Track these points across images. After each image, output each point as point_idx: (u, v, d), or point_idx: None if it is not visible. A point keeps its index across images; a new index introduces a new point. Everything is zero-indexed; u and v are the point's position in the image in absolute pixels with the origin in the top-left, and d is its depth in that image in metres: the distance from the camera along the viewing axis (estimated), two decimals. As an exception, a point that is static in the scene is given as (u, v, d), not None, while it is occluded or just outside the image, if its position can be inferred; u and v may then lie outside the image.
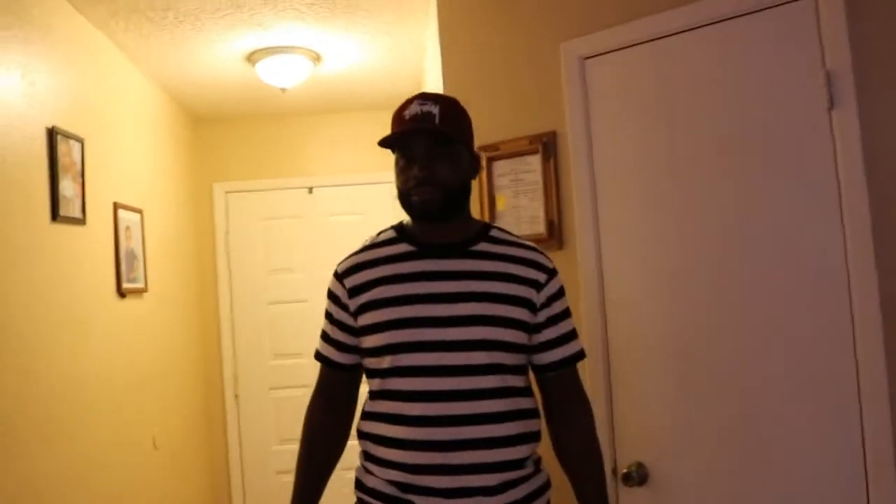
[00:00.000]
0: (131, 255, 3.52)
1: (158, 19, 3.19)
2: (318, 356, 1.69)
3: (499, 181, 2.54)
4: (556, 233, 2.35)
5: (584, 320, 2.22)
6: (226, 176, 5.16)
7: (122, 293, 3.34)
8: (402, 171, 1.54)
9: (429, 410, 1.47)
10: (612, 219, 2.21)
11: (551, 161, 2.36)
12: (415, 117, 1.51)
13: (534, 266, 1.58)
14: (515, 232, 2.46)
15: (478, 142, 2.59)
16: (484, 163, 2.55)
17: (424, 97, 1.56)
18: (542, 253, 1.63)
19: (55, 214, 2.68)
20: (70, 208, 2.80)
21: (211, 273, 5.06)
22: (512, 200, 2.50)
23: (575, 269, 2.27)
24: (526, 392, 1.58)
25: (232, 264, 5.13)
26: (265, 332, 5.09)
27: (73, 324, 2.87)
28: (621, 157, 2.19)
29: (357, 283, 1.57)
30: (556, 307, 1.60)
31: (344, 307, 1.60)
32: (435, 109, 1.52)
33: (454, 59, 2.72)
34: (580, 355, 1.63)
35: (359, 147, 5.07)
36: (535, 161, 2.41)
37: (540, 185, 2.39)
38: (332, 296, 1.64)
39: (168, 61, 3.77)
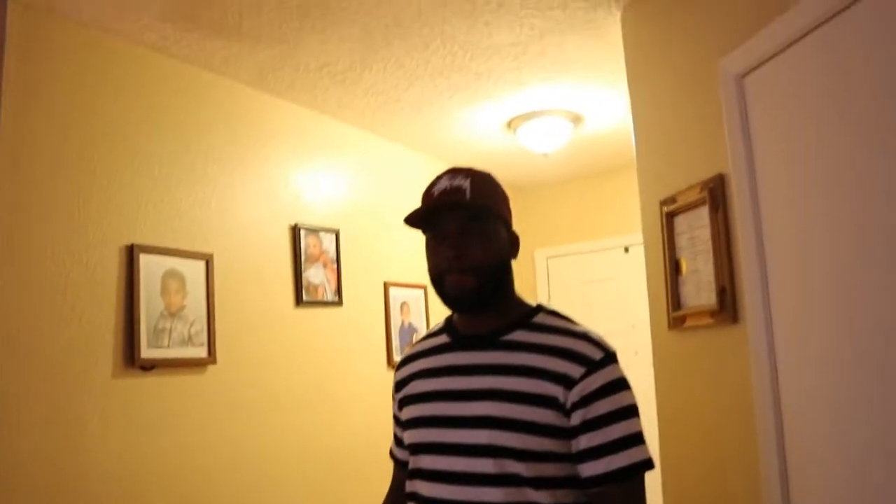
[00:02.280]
0: (409, 330, 3.75)
1: (398, 111, 3.43)
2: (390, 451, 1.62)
3: (679, 240, 2.08)
4: (727, 304, 1.81)
5: (757, 417, 1.66)
6: (545, 242, 5.22)
7: (394, 365, 3.58)
8: (432, 252, 1.39)
9: None
10: (789, 286, 1.62)
11: (719, 212, 1.85)
12: (444, 192, 1.36)
13: (569, 357, 1.25)
14: (694, 302, 1.99)
15: (658, 195, 2.15)
16: (664, 221, 2.12)
17: (454, 172, 1.40)
18: (592, 341, 1.28)
19: (299, 300, 3.02)
20: (317, 293, 3.13)
21: (532, 340, 5.09)
22: (691, 263, 2.02)
23: (747, 351, 1.72)
24: None
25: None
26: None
27: (335, 395, 3.17)
28: (798, 201, 1.60)
29: (401, 376, 1.49)
30: (598, 408, 1.22)
31: (394, 399, 1.53)
32: (465, 183, 1.36)
33: (641, 110, 2.35)
34: (633, 470, 1.21)
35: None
36: (705, 214, 1.91)
37: (711, 244, 1.89)
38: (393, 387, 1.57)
39: (444, 140, 4.00)
